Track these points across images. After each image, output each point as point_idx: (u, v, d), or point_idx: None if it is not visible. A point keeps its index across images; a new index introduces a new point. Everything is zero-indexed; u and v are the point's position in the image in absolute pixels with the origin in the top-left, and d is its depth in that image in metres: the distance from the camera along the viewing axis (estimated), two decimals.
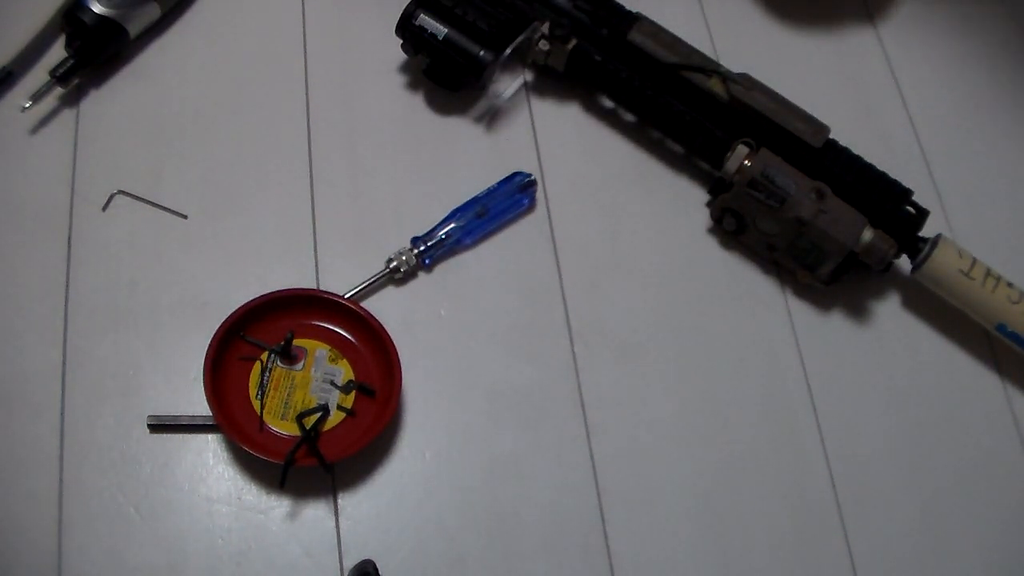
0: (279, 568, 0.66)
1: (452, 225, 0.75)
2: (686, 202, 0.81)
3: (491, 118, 0.81)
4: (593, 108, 0.84)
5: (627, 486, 0.71)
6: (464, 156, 0.80)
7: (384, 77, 0.83)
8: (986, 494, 0.73)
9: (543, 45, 0.78)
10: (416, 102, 0.82)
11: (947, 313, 0.77)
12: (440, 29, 0.76)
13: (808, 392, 0.75)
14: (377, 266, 0.74)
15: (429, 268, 0.76)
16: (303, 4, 0.85)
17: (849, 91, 0.88)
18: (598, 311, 0.76)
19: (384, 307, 0.73)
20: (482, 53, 0.76)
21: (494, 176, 0.78)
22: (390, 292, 0.75)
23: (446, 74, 0.79)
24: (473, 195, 0.77)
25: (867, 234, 0.72)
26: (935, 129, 0.87)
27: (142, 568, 0.64)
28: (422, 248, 0.74)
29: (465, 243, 0.76)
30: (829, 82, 0.88)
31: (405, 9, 0.77)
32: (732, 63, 0.79)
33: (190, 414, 0.68)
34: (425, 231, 0.75)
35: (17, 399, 0.68)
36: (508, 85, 0.82)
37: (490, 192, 0.77)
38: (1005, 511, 0.73)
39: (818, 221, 0.72)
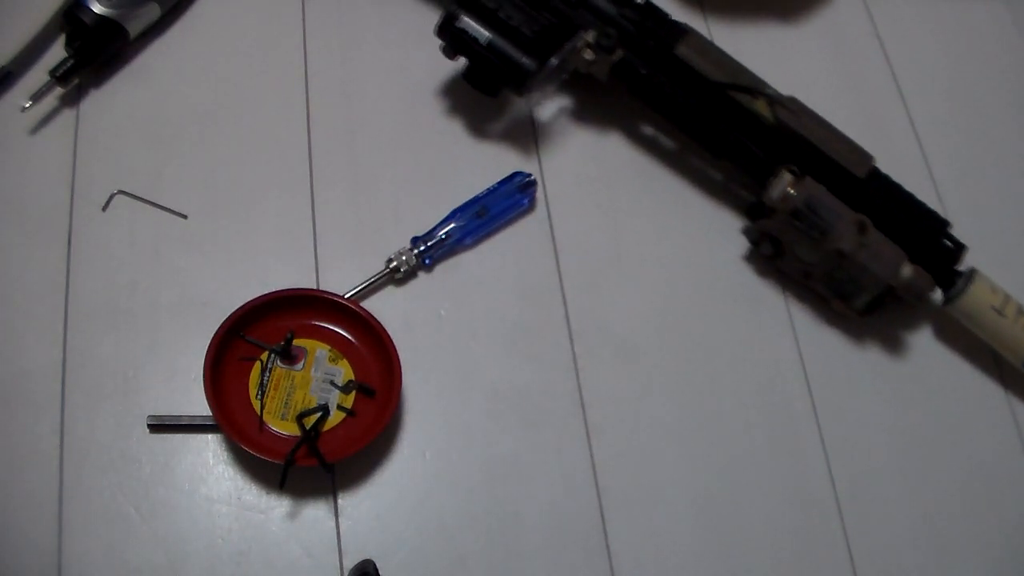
0: (279, 568, 0.66)
1: (452, 225, 0.75)
2: (686, 201, 0.81)
3: (521, 126, 0.80)
4: (594, 107, 0.83)
5: (627, 486, 0.71)
6: (464, 156, 0.80)
7: (384, 77, 0.83)
8: (988, 500, 0.73)
9: (587, 54, 0.76)
10: (416, 102, 0.82)
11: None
12: (483, 34, 0.74)
13: (808, 392, 0.75)
14: (377, 266, 0.74)
15: (429, 268, 0.76)
16: (303, 4, 0.85)
17: (849, 91, 0.88)
18: (598, 311, 0.76)
19: (384, 307, 0.73)
20: (525, 60, 0.74)
21: (494, 176, 0.78)
22: (390, 292, 0.75)
23: (486, 80, 0.78)
24: (473, 195, 0.77)
25: (906, 269, 0.72)
26: (935, 129, 0.87)
27: (142, 568, 0.64)
28: (422, 248, 0.74)
29: (465, 243, 0.76)
30: (829, 82, 0.88)
31: (447, 9, 0.75)
32: None
33: (190, 414, 0.68)
34: (425, 231, 0.75)
35: (17, 399, 0.68)
36: (543, 96, 0.81)
37: (490, 192, 0.77)
38: (1007, 517, 0.73)
39: (859, 255, 0.72)
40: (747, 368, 0.76)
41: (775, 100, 0.75)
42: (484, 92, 0.79)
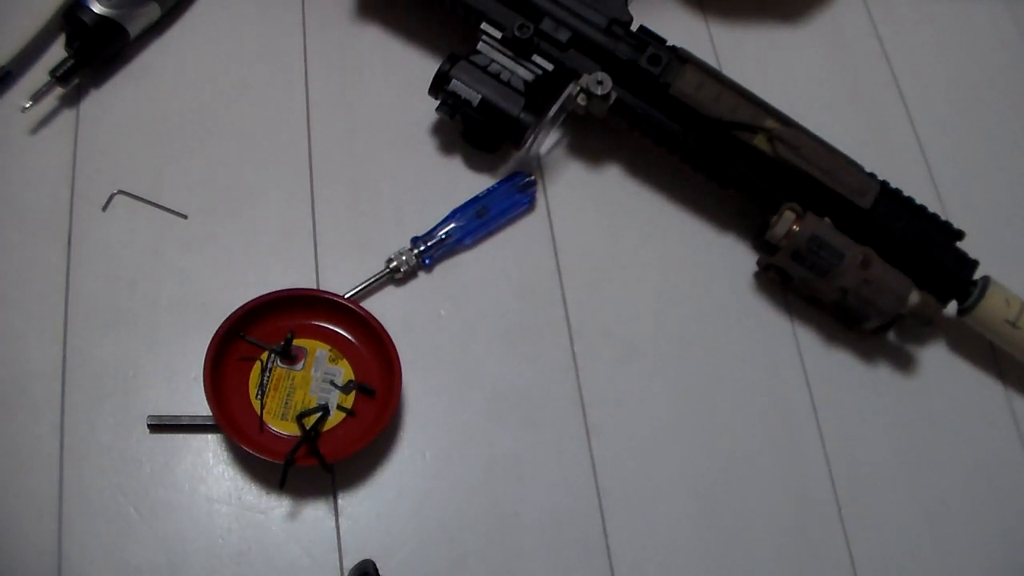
0: (279, 568, 0.66)
1: (452, 225, 0.75)
2: (688, 202, 0.81)
3: (528, 168, 0.80)
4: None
5: (627, 486, 0.71)
6: (464, 156, 0.80)
7: (384, 77, 0.83)
8: (988, 501, 0.73)
9: (582, 100, 0.75)
10: (416, 101, 0.82)
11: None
12: (474, 95, 0.74)
13: (808, 392, 0.75)
14: (377, 266, 0.74)
15: (429, 268, 0.76)
16: (303, 4, 0.85)
17: (849, 91, 0.88)
18: (598, 311, 0.76)
19: (384, 307, 0.73)
20: (521, 116, 0.74)
21: (494, 176, 0.78)
22: (390, 292, 0.75)
23: (484, 138, 0.78)
24: (473, 195, 0.77)
25: (913, 297, 0.72)
26: (935, 129, 0.87)
27: (142, 568, 0.64)
28: (422, 248, 0.74)
29: (465, 243, 0.76)
30: (829, 82, 0.88)
31: (439, 69, 0.75)
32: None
33: (190, 414, 0.68)
34: (425, 231, 0.75)
35: (17, 399, 0.68)
36: (544, 139, 0.80)
37: (490, 192, 0.77)
38: (1007, 518, 0.73)
39: (862, 290, 0.72)
40: (747, 367, 0.76)
41: (774, 136, 0.73)
42: (484, 150, 0.79)
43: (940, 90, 0.89)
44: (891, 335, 0.78)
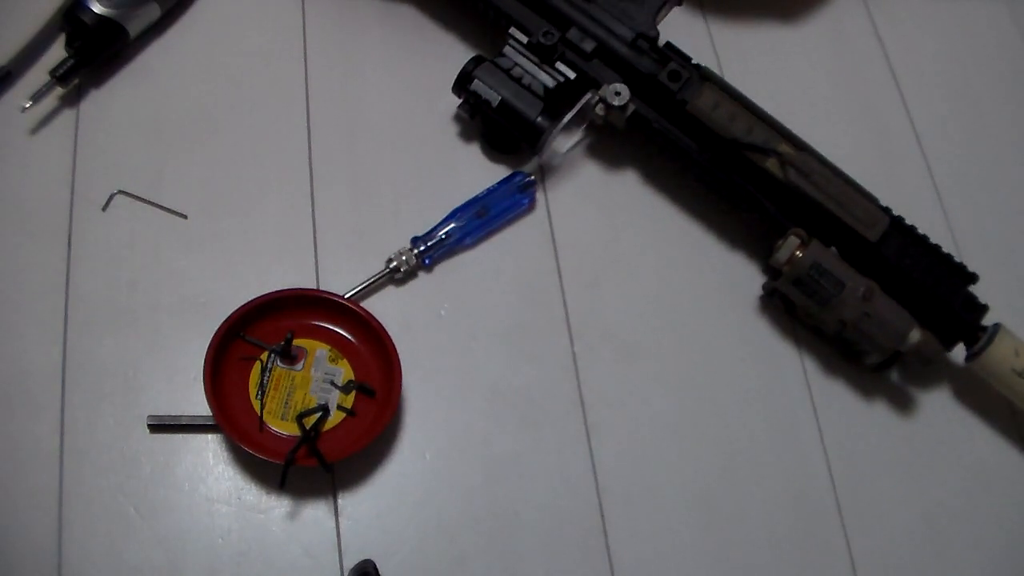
0: (279, 568, 0.66)
1: (452, 225, 0.75)
2: (693, 211, 0.81)
3: (544, 174, 0.80)
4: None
5: (627, 486, 0.71)
6: (464, 156, 0.80)
7: (384, 78, 0.83)
8: (987, 501, 0.73)
9: (600, 109, 0.75)
10: (416, 101, 0.82)
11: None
12: (494, 96, 0.75)
13: (808, 391, 0.75)
14: (377, 266, 0.74)
15: (429, 268, 0.76)
16: (303, 4, 0.85)
17: (848, 91, 0.88)
18: (598, 311, 0.76)
19: (384, 307, 0.73)
20: (539, 120, 0.75)
21: (494, 176, 0.78)
22: (390, 292, 0.75)
23: (502, 139, 0.79)
24: (473, 195, 0.77)
25: (914, 335, 0.71)
26: (935, 129, 0.87)
27: (142, 568, 0.64)
28: (422, 248, 0.74)
29: (465, 243, 0.76)
30: (829, 82, 0.88)
31: (463, 68, 0.76)
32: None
33: (190, 414, 0.68)
34: (425, 231, 0.75)
35: (17, 399, 0.68)
36: (564, 144, 0.80)
37: (490, 192, 0.77)
38: (1006, 518, 0.73)
39: (862, 324, 0.71)
40: (747, 367, 0.76)
41: (786, 160, 0.73)
42: (502, 151, 0.80)
43: (940, 90, 0.89)
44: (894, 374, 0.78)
